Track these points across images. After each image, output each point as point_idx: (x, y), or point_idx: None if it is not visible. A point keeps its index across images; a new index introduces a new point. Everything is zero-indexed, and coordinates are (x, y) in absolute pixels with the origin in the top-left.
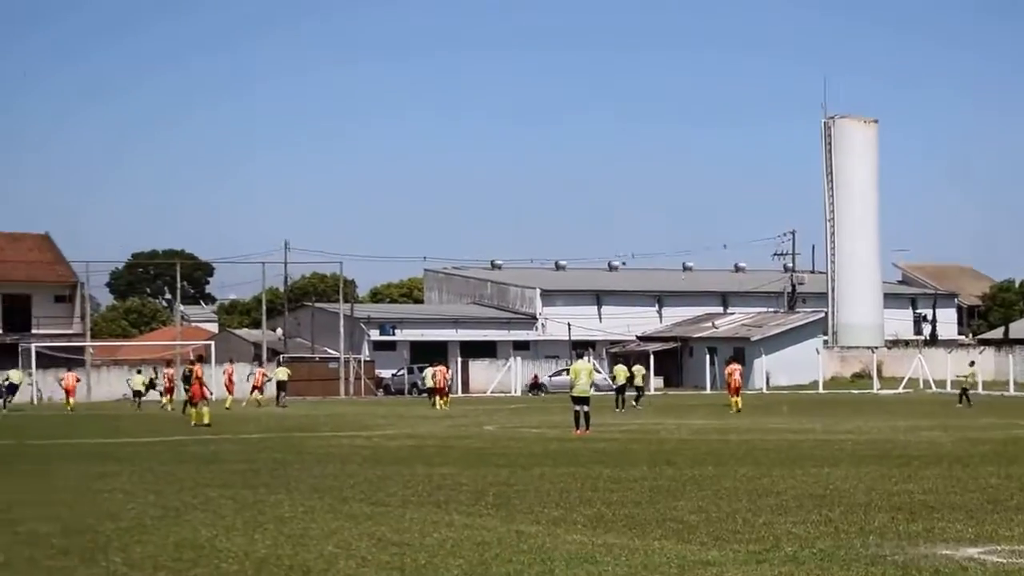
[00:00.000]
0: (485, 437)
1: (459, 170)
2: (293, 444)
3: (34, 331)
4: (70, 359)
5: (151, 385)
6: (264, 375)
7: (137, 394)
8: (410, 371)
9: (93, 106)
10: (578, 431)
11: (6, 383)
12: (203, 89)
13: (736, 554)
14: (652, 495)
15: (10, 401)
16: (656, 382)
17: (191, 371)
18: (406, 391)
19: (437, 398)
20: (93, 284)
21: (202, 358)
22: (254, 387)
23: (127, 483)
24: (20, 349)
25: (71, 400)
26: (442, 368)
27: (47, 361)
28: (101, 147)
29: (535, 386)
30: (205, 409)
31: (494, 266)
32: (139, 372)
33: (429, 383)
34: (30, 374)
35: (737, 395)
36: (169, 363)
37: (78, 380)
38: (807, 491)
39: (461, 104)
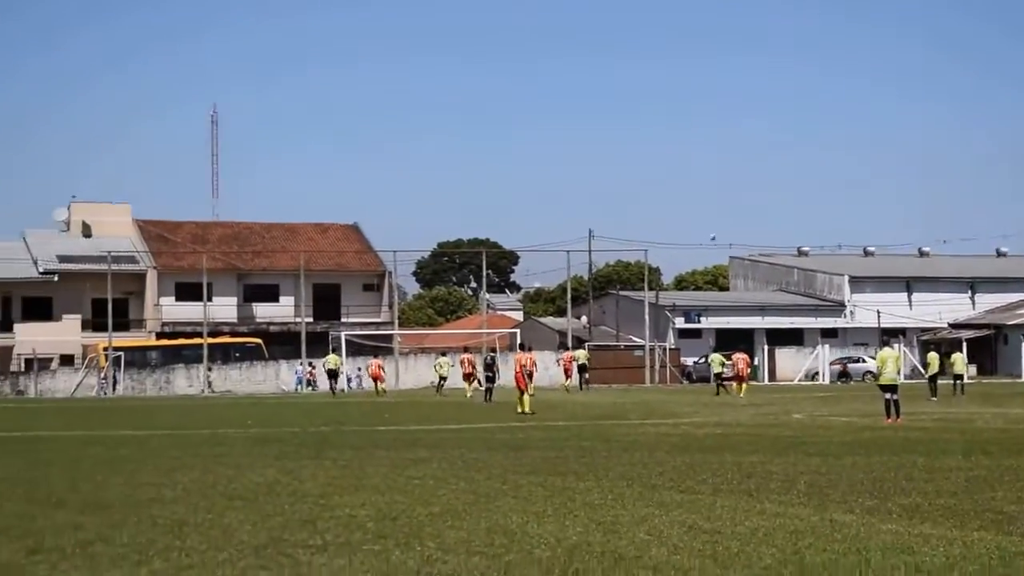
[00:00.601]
0: (793, 425)
1: (764, 156)
2: (600, 432)
3: (343, 320)
4: (378, 347)
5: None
6: (572, 359)
7: (442, 379)
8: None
9: (404, 99)
10: (889, 419)
11: (326, 368)
12: (502, 80)
13: None
14: (968, 485)
15: (335, 386)
16: (969, 370)
17: (493, 359)
18: (711, 379)
19: (733, 385)
20: (400, 273)
21: (523, 346)
22: (566, 371)
23: (437, 470)
24: (330, 337)
25: (380, 386)
26: (744, 356)
27: (356, 349)
28: (406, 138)
29: (843, 374)
30: (527, 398)
31: (800, 253)
32: (443, 355)
33: (716, 369)
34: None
35: None
36: (466, 349)
37: (382, 367)
38: None
39: (763, 91)
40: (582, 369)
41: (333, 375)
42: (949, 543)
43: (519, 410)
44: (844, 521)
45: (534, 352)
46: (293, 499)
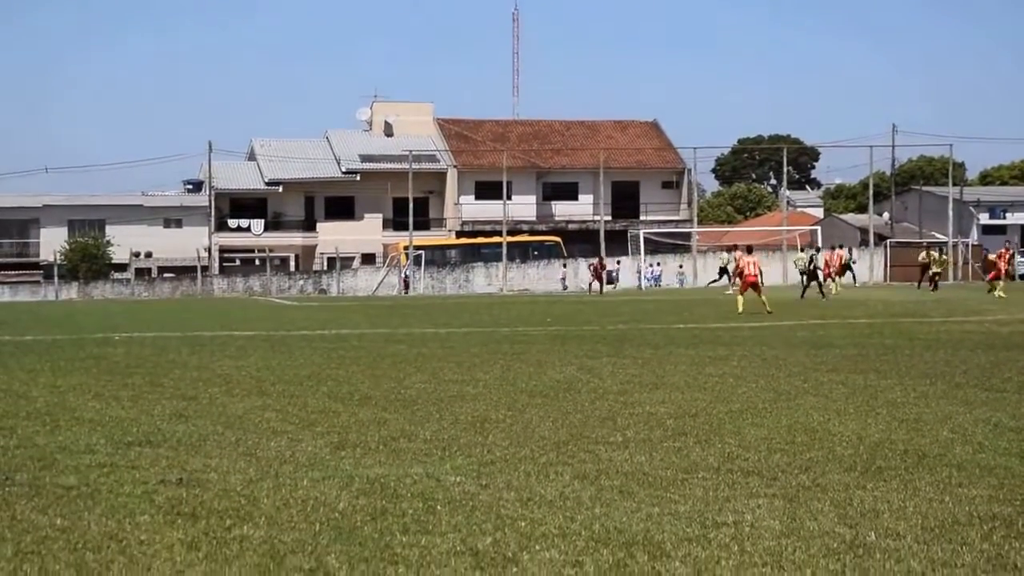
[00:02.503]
0: None
1: None
2: (902, 329)
3: (642, 217)
4: (676, 245)
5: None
6: (841, 257)
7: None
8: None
9: None
10: None
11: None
12: None
13: None
14: None
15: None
16: None
17: (812, 257)
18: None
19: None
20: (699, 170)
21: (750, 249)
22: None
23: (736, 367)
24: (629, 236)
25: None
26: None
27: (654, 247)
28: (705, 34)
29: None
30: (739, 298)
31: None
32: (727, 250)
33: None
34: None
35: None
36: (735, 247)
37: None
38: None
39: None
40: (925, 268)
41: (723, 273)
42: None
43: (738, 311)
44: None
45: (834, 251)
46: (593, 396)
